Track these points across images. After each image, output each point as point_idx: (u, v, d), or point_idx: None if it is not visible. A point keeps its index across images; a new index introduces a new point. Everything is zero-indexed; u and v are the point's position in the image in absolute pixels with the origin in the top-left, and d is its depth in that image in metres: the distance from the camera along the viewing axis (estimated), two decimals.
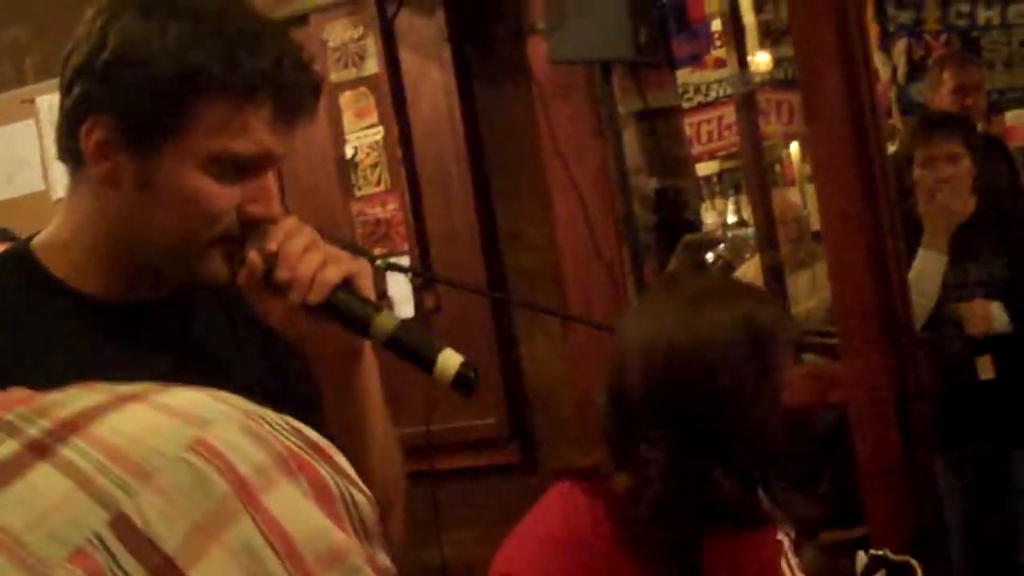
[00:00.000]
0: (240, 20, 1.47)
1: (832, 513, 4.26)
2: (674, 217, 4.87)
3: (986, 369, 3.90)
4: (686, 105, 6.53)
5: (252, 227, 1.48)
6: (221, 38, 1.42)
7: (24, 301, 1.52)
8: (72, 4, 1.59)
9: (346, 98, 3.90)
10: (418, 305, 3.80)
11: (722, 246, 6.60)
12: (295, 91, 1.46)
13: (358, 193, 3.92)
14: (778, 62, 6.31)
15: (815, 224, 5.43)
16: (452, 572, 3.67)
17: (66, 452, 0.75)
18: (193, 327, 1.61)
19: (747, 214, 7.93)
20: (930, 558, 3.23)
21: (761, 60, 6.23)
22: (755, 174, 4.66)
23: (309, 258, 1.48)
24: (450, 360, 1.47)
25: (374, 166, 3.89)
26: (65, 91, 1.47)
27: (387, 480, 1.62)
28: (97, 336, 1.51)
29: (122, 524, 0.73)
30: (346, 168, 3.93)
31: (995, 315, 3.91)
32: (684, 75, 6.46)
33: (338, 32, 3.89)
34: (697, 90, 6.68)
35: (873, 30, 6.04)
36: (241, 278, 1.50)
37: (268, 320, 1.54)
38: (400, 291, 3.82)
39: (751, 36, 5.87)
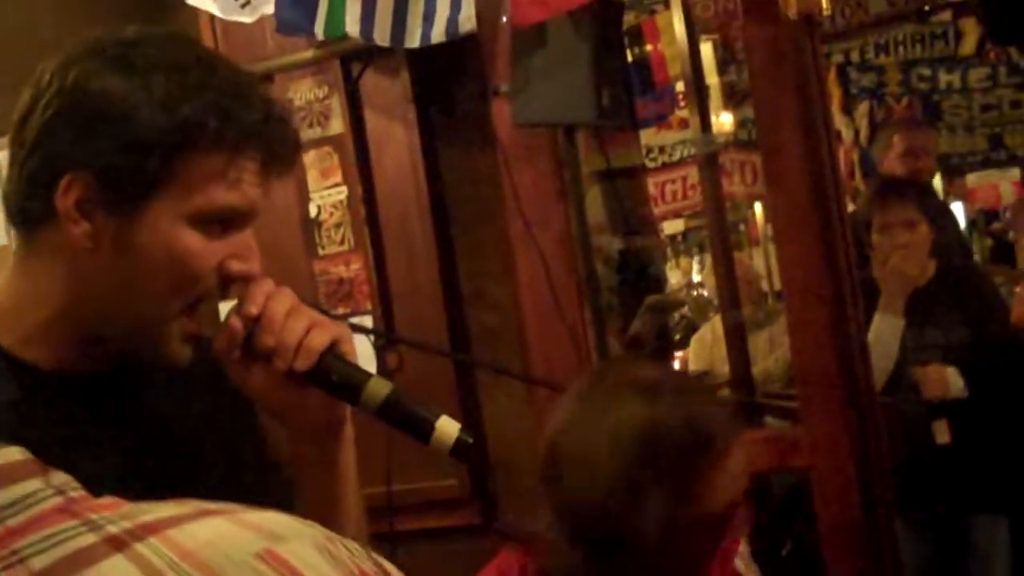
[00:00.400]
0: (225, 72, 1.42)
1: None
2: (638, 277, 4.87)
3: (942, 433, 3.93)
4: (651, 165, 6.58)
5: (228, 286, 1.42)
6: (210, 91, 1.37)
7: None
8: (22, 63, 1.50)
9: (310, 157, 3.90)
10: (380, 365, 3.78)
11: (685, 307, 6.63)
12: (282, 144, 1.43)
13: (321, 252, 3.91)
14: (741, 123, 6.37)
15: (779, 284, 5.47)
16: None
17: (140, 547, 0.78)
18: (150, 398, 1.51)
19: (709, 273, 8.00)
20: None
21: (724, 121, 6.28)
22: (718, 234, 4.67)
23: (293, 322, 1.42)
24: (448, 427, 1.43)
25: (338, 226, 3.88)
26: (29, 150, 1.38)
27: None
28: (45, 410, 1.40)
29: None
30: (310, 227, 3.92)
31: (951, 380, 3.94)
32: (649, 135, 6.51)
33: (303, 91, 3.89)
34: (662, 150, 6.74)
35: (836, 93, 6.13)
36: (219, 344, 1.43)
37: (247, 389, 1.46)
38: (362, 351, 3.80)
39: (714, 97, 5.92)
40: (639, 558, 1.81)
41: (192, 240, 1.37)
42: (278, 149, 1.41)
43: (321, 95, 3.88)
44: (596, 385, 1.96)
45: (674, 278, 8.15)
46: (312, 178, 3.92)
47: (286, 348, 1.41)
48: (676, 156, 6.76)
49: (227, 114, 1.36)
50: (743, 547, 2.07)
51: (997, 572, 4.11)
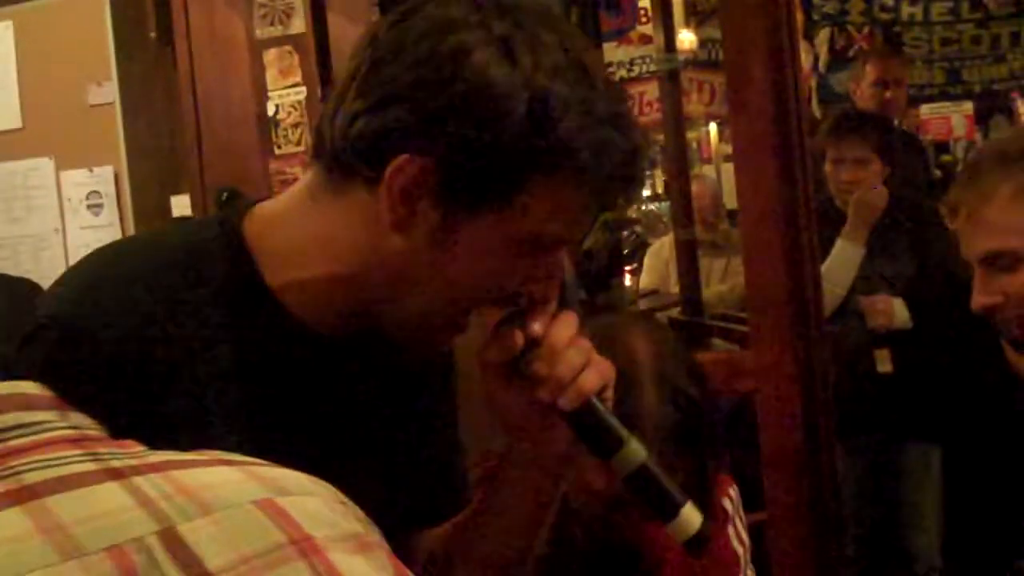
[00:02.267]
0: (604, 89, 1.26)
1: None
2: None
3: (884, 362, 3.99)
4: None
5: (517, 299, 1.32)
6: (591, 113, 1.22)
7: (231, 312, 1.31)
8: None
9: (270, 55, 3.84)
10: None
11: (638, 224, 6.64)
12: (637, 185, 1.31)
13: (278, 152, 3.87)
14: (703, 43, 6.34)
15: (730, 203, 5.49)
16: None
17: (138, 479, 0.80)
18: (377, 375, 1.44)
19: (662, 189, 8.00)
20: (827, 545, 3.28)
21: (686, 39, 6.25)
22: (675, 152, 4.68)
23: (573, 356, 1.32)
24: (692, 517, 1.34)
25: (295, 126, 3.84)
26: (372, 104, 1.22)
27: None
28: (289, 362, 1.34)
29: (171, 537, 0.77)
30: (266, 126, 3.88)
31: (897, 311, 3.99)
32: (609, 50, 6.47)
33: None
34: (621, 65, 6.70)
35: (797, 18, 6.10)
36: (491, 354, 1.34)
37: (496, 403, 1.38)
38: None
39: (677, 14, 5.89)
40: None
41: (507, 262, 1.27)
42: (632, 190, 1.32)
43: None
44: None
45: None
46: (271, 76, 3.87)
47: (558, 382, 1.31)
48: (635, 72, 6.73)
49: (601, 147, 1.22)
50: (734, 492, 2.09)
51: (927, 499, 4.20)
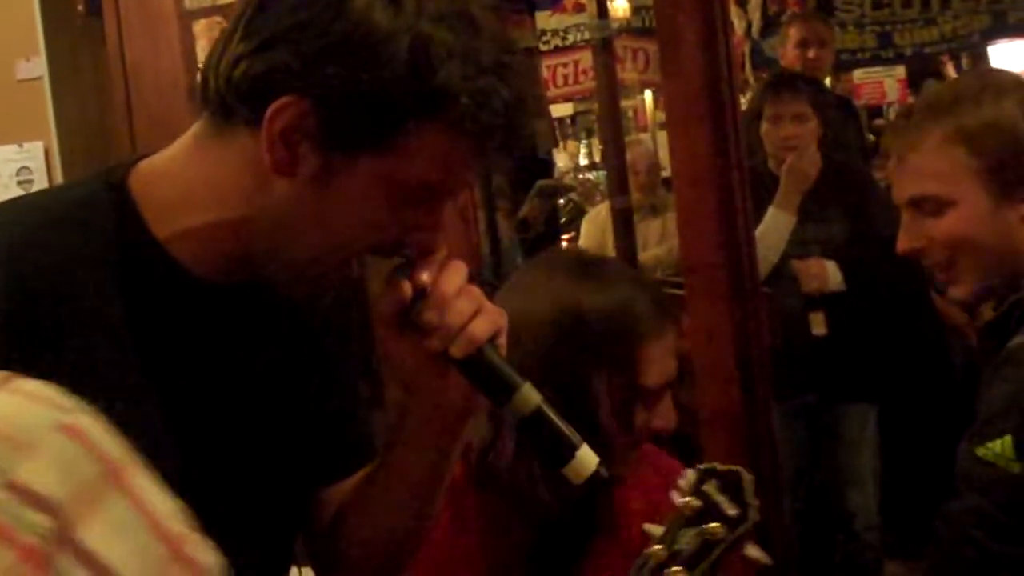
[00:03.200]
0: (491, 35, 1.25)
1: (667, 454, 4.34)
2: (529, 160, 4.88)
3: (818, 325, 4.03)
4: (544, 48, 6.55)
5: (401, 248, 1.32)
6: (473, 60, 1.22)
7: (120, 267, 1.29)
8: None
9: (200, 26, 3.81)
10: None
11: (574, 192, 6.66)
12: (519, 138, 1.29)
13: None
14: (636, 10, 6.36)
15: (666, 172, 5.51)
16: None
17: None
18: (271, 322, 1.42)
19: (598, 157, 8.03)
20: (765, 507, 3.32)
21: (619, 6, 6.26)
22: (610, 120, 4.69)
23: (462, 304, 1.31)
24: (587, 458, 1.33)
25: None
26: (256, 47, 1.22)
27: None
28: (183, 316, 1.32)
29: (16, 488, 0.79)
30: (197, 97, 3.85)
31: (830, 274, 4.03)
32: (543, 18, 6.47)
33: None
34: (555, 34, 6.70)
35: None
36: (383, 306, 1.33)
37: (389, 357, 1.37)
38: None
39: None
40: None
41: (388, 208, 1.27)
42: (513, 142, 1.29)
43: None
44: (534, 265, 2.03)
45: (561, 162, 8.16)
46: (201, 48, 3.83)
47: (448, 330, 1.30)
48: (569, 40, 6.73)
49: (484, 96, 1.21)
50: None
51: (864, 458, 4.25)
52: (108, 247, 1.29)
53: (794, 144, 4.11)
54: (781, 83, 4.35)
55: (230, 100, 1.25)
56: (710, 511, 1.63)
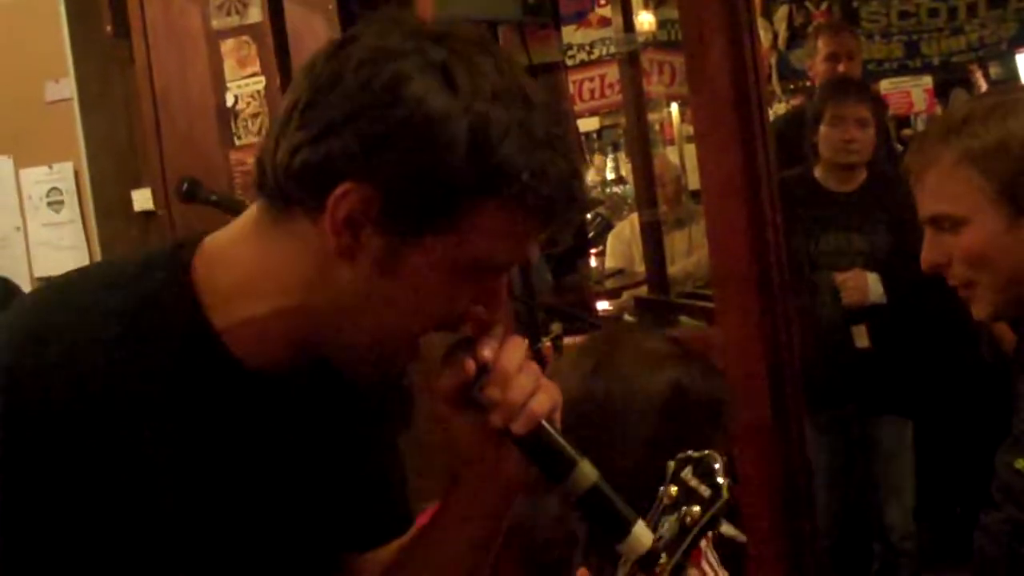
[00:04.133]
0: (542, 110, 1.26)
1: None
2: None
3: (861, 338, 4.00)
4: (569, 63, 6.54)
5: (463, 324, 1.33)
6: (530, 136, 1.23)
7: (178, 366, 1.29)
8: None
9: (227, 46, 3.83)
10: None
11: (601, 205, 6.64)
12: (580, 208, 1.33)
13: (238, 142, 3.86)
14: (661, 23, 6.34)
15: (693, 184, 5.50)
16: None
17: None
18: (324, 408, 1.43)
19: (625, 171, 8.01)
20: (798, 518, 3.30)
21: (645, 20, 6.26)
22: (636, 134, 4.69)
23: (523, 380, 1.32)
24: (643, 536, 1.35)
25: (255, 116, 3.83)
26: (314, 136, 1.22)
27: None
28: (232, 412, 1.32)
29: None
30: (226, 117, 3.86)
31: (871, 286, 4.00)
32: (568, 33, 6.47)
33: None
34: (581, 48, 6.70)
35: None
36: (443, 382, 1.34)
37: (449, 431, 1.38)
38: None
39: None
40: None
41: (452, 286, 1.27)
42: (573, 214, 1.32)
43: None
44: (612, 353, 1.97)
45: (588, 176, 8.15)
46: (229, 67, 3.85)
47: (510, 406, 1.31)
48: (595, 54, 6.73)
49: (542, 169, 1.23)
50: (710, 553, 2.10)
51: (901, 470, 4.22)
52: (168, 346, 1.29)
53: (855, 148, 4.11)
54: (847, 86, 4.35)
55: (290, 188, 1.25)
56: (687, 496, 1.65)
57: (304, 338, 1.31)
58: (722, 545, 1.92)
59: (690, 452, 1.70)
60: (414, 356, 1.35)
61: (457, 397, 1.34)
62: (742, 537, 1.70)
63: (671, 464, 1.71)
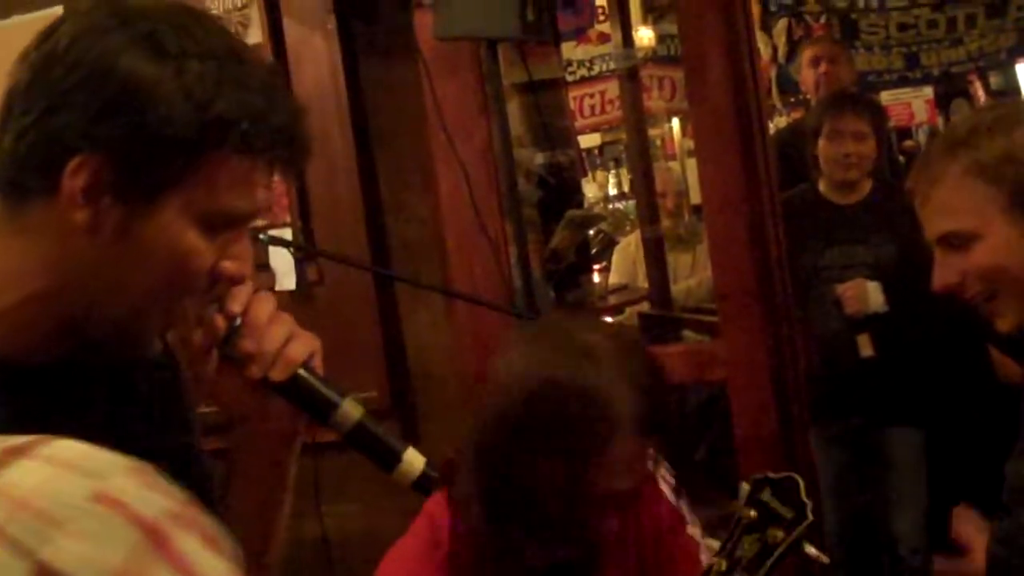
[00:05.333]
0: (254, 66, 1.33)
1: (705, 482, 4.32)
2: (558, 191, 4.87)
3: (866, 347, 4.00)
4: (569, 79, 6.54)
5: (215, 284, 1.36)
6: (243, 88, 1.29)
7: None
8: None
9: None
10: (300, 278, 3.77)
11: (604, 221, 6.65)
12: (303, 150, 1.36)
13: None
14: (661, 38, 6.36)
15: (695, 198, 5.51)
16: (332, 544, 3.66)
17: None
18: (105, 392, 1.42)
19: (627, 187, 8.02)
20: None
21: (644, 36, 6.27)
22: (637, 149, 4.71)
23: (276, 330, 1.39)
24: (414, 461, 1.42)
25: None
26: (35, 119, 1.26)
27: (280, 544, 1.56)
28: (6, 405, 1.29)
29: (45, 572, 0.75)
30: None
31: (871, 295, 4.00)
32: (568, 49, 6.47)
33: (220, 0, 3.82)
34: (581, 64, 6.71)
35: (755, 10, 6.12)
36: (197, 340, 1.38)
37: (211, 389, 1.41)
38: (282, 264, 3.78)
39: (634, 11, 5.90)
40: (535, 519, 1.83)
41: (197, 239, 1.30)
42: (299, 156, 1.35)
43: (240, 3, 3.81)
44: (536, 334, 2.01)
45: (590, 192, 8.16)
46: None
47: (265, 355, 1.38)
48: (595, 70, 6.75)
49: (260, 116, 1.28)
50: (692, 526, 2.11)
51: (910, 482, 4.21)
52: None
53: (854, 162, 4.12)
54: (844, 100, 4.37)
55: (23, 176, 1.28)
56: (768, 517, 1.67)
57: (64, 323, 1.32)
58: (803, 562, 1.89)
59: (768, 473, 1.72)
60: (173, 322, 1.39)
61: (212, 354, 1.39)
62: (825, 558, 1.71)
63: (745, 485, 1.73)
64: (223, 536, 0.85)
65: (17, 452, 0.82)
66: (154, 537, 0.79)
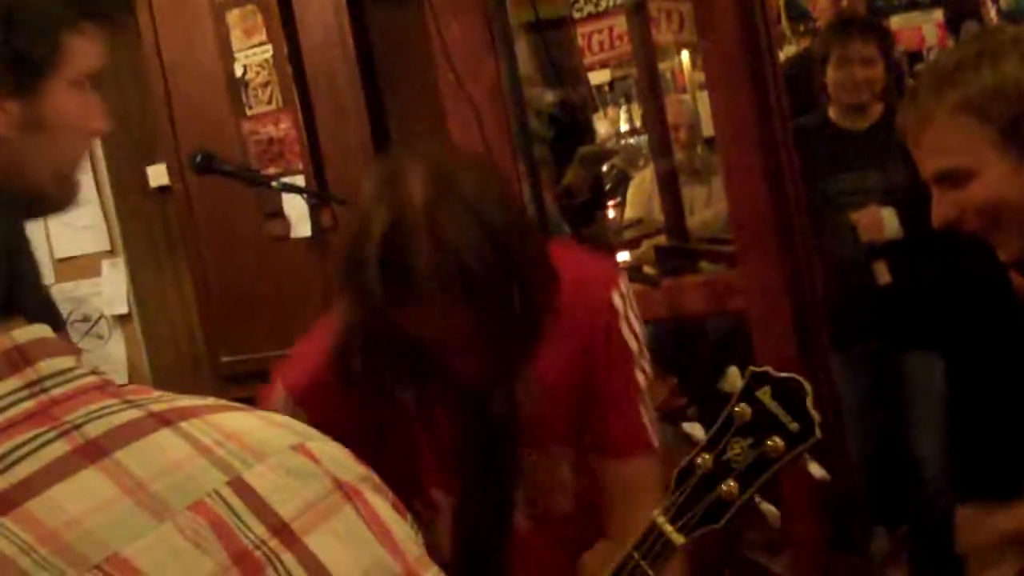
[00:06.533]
0: None
1: None
2: (570, 128, 4.86)
3: (883, 274, 3.98)
4: (576, 15, 6.51)
5: None
6: None
7: None
8: None
9: (233, 16, 3.82)
10: (315, 224, 3.77)
11: (616, 157, 6.63)
12: (130, 3, 1.64)
13: (249, 112, 3.86)
14: None
15: (707, 131, 5.48)
16: None
17: (185, 425, 0.84)
18: None
19: (639, 122, 7.98)
20: (828, 455, 3.30)
21: None
22: (647, 83, 4.66)
23: None
24: None
25: (265, 85, 3.83)
26: None
27: None
28: None
29: (241, 486, 0.82)
30: (236, 87, 3.86)
31: (886, 221, 3.99)
32: None
33: None
34: (588, 0, 6.67)
35: None
36: None
37: None
38: (296, 210, 3.78)
39: None
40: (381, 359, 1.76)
41: (88, 101, 1.59)
42: (128, 8, 1.59)
43: None
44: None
45: (602, 128, 8.12)
46: (236, 37, 3.85)
47: None
48: (602, 6, 6.70)
49: None
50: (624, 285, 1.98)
51: (932, 404, 4.21)
52: None
53: (863, 87, 4.09)
54: (850, 26, 4.33)
55: None
56: (766, 422, 1.53)
57: None
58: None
59: (768, 369, 1.59)
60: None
61: None
62: (827, 476, 1.61)
63: (737, 375, 1.61)
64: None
65: (233, 408, 0.89)
66: (346, 488, 0.86)
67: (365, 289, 1.60)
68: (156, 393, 0.87)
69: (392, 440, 1.87)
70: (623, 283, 1.99)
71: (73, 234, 4.23)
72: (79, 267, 4.26)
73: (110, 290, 4.22)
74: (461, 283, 1.57)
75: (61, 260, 4.26)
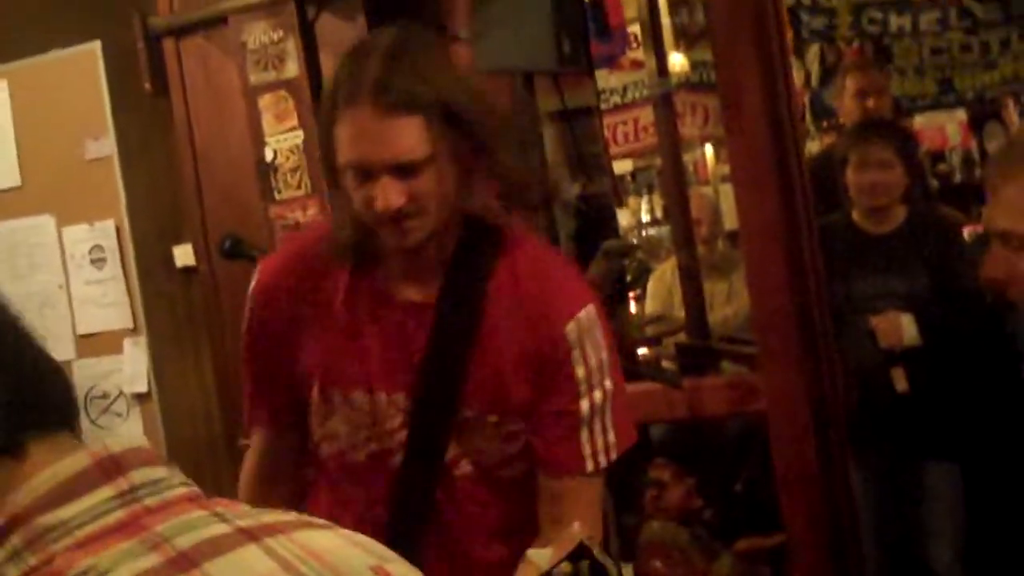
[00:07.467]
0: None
1: (746, 518, 4.30)
2: (594, 221, 4.88)
3: (900, 381, 3.96)
4: (603, 106, 6.55)
5: None
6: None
7: None
8: None
9: (265, 101, 3.86)
10: None
11: (639, 250, 6.64)
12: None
13: (278, 197, 3.88)
14: (693, 65, 6.35)
15: (729, 223, 5.49)
16: None
17: (271, 541, 0.86)
18: None
19: (660, 212, 8.01)
20: (846, 561, 3.27)
21: (676, 62, 6.26)
22: (673, 176, 4.68)
23: None
24: None
25: (294, 170, 3.85)
26: None
27: None
28: None
29: None
30: (265, 172, 3.89)
31: (905, 328, 3.97)
32: (602, 77, 6.47)
33: (257, 34, 3.85)
34: (614, 92, 6.71)
35: (787, 36, 6.11)
36: None
37: None
38: None
39: (666, 38, 5.89)
40: None
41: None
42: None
43: (276, 38, 3.83)
44: None
45: (624, 219, 8.15)
46: (267, 122, 3.88)
47: None
48: (628, 97, 6.74)
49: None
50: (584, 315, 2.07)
51: (949, 514, 4.17)
52: None
53: (880, 191, 4.10)
54: (869, 129, 4.34)
55: None
56: None
57: None
58: None
59: (594, 547, 1.66)
60: None
61: None
62: None
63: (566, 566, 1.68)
64: None
65: (314, 525, 0.92)
66: None
67: (327, 94, 1.96)
68: (243, 507, 0.90)
69: (330, 338, 2.12)
70: (587, 311, 2.05)
71: (97, 310, 4.24)
72: (101, 343, 4.27)
73: (131, 368, 4.23)
74: (398, 94, 1.88)
75: (83, 336, 4.27)
